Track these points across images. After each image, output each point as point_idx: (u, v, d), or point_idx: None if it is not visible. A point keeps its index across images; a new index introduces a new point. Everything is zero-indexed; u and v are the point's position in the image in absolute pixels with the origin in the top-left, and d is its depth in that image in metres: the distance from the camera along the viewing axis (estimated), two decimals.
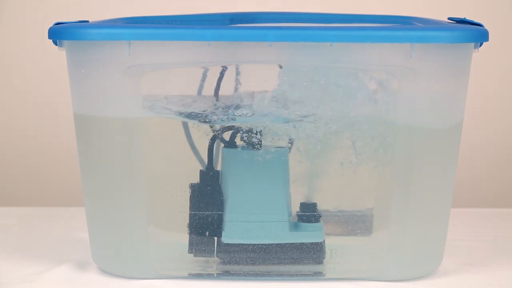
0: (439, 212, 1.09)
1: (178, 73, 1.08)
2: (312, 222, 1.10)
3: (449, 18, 1.15)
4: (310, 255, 1.09)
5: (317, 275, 1.10)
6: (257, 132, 1.08)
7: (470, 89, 1.11)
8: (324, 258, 1.10)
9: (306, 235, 1.09)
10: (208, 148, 1.09)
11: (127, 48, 1.03)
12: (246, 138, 1.08)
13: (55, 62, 1.63)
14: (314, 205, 1.10)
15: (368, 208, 1.11)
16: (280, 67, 1.07)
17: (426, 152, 1.06)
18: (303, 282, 1.09)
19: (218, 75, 1.08)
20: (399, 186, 1.07)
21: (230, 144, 1.09)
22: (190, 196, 1.09)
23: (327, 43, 1.02)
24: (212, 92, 1.09)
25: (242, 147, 1.09)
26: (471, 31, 1.03)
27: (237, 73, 1.09)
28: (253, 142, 1.08)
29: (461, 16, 1.22)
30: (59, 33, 1.05)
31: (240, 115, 1.07)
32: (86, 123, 1.07)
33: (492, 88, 1.70)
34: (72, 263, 1.15)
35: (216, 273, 1.10)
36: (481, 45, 1.06)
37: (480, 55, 1.15)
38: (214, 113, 1.08)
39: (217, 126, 1.08)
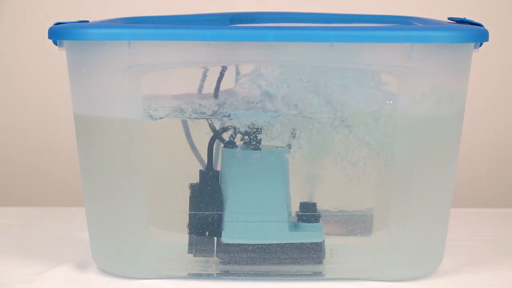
0: (439, 212, 1.09)
1: (178, 73, 1.08)
2: (312, 222, 1.10)
3: (449, 18, 1.15)
4: (310, 255, 1.09)
5: (317, 275, 1.10)
6: (256, 131, 1.08)
7: (470, 89, 1.11)
8: (324, 258, 1.10)
9: (306, 235, 1.09)
10: (208, 148, 1.09)
11: (127, 48, 1.03)
12: (245, 138, 1.08)
13: (55, 62, 1.63)
14: (314, 205, 1.10)
15: (368, 208, 1.11)
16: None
17: (426, 152, 1.06)
18: (303, 282, 1.09)
19: (218, 75, 1.08)
20: (399, 186, 1.07)
21: (230, 144, 1.09)
22: (190, 196, 1.09)
23: (327, 43, 1.02)
24: (212, 92, 1.09)
25: (242, 147, 1.09)
26: (471, 31, 1.03)
27: (237, 73, 1.09)
28: (253, 142, 1.08)
29: (461, 16, 1.22)
30: (59, 33, 1.05)
31: (239, 112, 1.07)
32: (86, 123, 1.07)
33: (492, 88, 1.70)
34: (72, 263, 1.15)
35: (216, 273, 1.10)
36: (481, 45, 1.06)
37: (480, 55, 1.15)
38: (215, 111, 1.08)
39: (217, 126, 1.08)
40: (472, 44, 1.05)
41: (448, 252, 1.16)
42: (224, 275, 1.10)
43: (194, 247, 1.09)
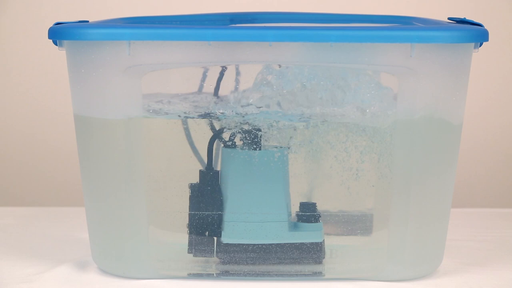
0: (439, 212, 1.09)
1: (178, 73, 1.08)
2: (312, 222, 1.10)
3: (449, 18, 1.15)
4: (309, 255, 1.09)
5: (317, 275, 1.10)
6: (256, 131, 1.08)
7: (470, 89, 1.11)
8: (323, 258, 1.10)
9: (306, 235, 1.09)
10: (208, 148, 1.09)
11: (127, 48, 1.03)
12: (245, 138, 1.08)
13: (55, 62, 1.63)
14: (313, 205, 1.10)
15: (368, 208, 1.11)
16: (279, 67, 1.07)
17: (426, 152, 1.06)
18: (302, 282, 1.09)
19: (218, 75, 1.08)
20: (399, 186, 1.07)
21: (230, 144, 1.09)
22: (190, 196, 1.09)
23: (327, 43, 1.02)
24: (212, 92, 1.09)
25: (242, 147, 1.09)
26: (471, 31, 1.03)
27: (237, 73, 1.09)
28: (253, 142, 1.08)
29: (461, 16, 1.22)
30: (59, 33, 1.05)
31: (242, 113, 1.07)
32: (86, 123, 1.07)
33: (492, 88, 1.70)
34: (72, 263, 1.15)
35: (216, 273, 1.10)
36: (481, 45, 1.06)
37: (480, 55, 1.16)
38: (215, 111, 1.08)
39: (217, 126, 1.08)
40: (472, 44, 1.05)
41: (448, 252, 1.16)
42: (224, 275, 1.10)
43: (194, 247, 1.09)
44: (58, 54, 1.16)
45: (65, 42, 1.06)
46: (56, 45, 1.07)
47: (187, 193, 1.09)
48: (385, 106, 1.07)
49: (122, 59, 1.03)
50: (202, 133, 1.09)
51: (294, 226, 1.10)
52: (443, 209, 1.09)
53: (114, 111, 1.05)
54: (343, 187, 1.10)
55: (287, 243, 1.09)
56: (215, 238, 1.09)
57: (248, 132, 1.08)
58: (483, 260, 1.19)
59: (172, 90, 1.09)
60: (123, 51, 1.03)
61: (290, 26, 1.05)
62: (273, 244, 1.09)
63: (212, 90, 1.09)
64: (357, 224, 1.11)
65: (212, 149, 1.09)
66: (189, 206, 1.09)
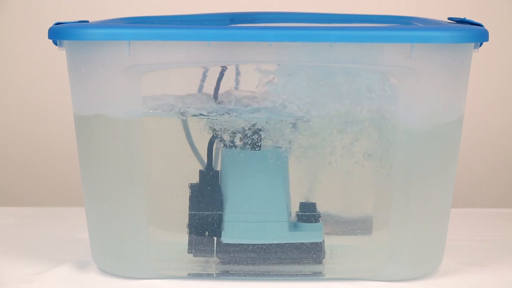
0: (439, 213, 1.09)
1: (178, 73, 1.08)
2: (312, 222, 1.10)
3: (449, 18, 1.15)
4: (309, 255, 1.09)
5: (317, 275, 1.10)
6: (256, 131, 1.08)
7: (470, 89, 1.11)
8: (323, 258, 1.10)
9: (306, 235, 1.09)
10: (208, 148, 1.09)
11: (127, 48, 1.03)
12: (245, 138, 1.08)
13: (55, 62, 1.63)
14: (313, 205, 1.10)
15: (368, 208, 1.11)
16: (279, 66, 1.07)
17: (426, 152, 1.06)
18: (302, 282, 1.09)
19: (218, 75, 1.08)
20: (399, 186, 1.07)
21: (230, 144, 1.09)
22: (190, 196, 1.09)
23: (327, 43, 1.02)
24: (211, 92, 1.09)
25: (242, 147, 1.09)
26: (471, 31, 1.03)
27: (237, 73, 1.09)
28: (253, 142, 1.08)
29: (461, 16, 1.22)
30: (59, 33, 1.05)
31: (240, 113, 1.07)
32: (86, 123, 1.07)
33: (492, 88, 1.70)
34: (72, 263, 1.15)
35: (216, 273, 1.10)
36: (481, 45, 1.06)
37: (480, 55, 1.15)
38: (216, 111, 1.08)
39: (217, 126, 1.08)
40: (472, 44, 1.05)
41: (448, 252, 1.16)
42: (224, 275, 1.10)
43: (194, 247, 1.09)
44: (58, 54, 1.16)
45: (65, 42, 1.06)
46: (56, 45, 1.07)
47: (187, 193, 1.09)
48: (385, 106, 1.07)
49: (122, 59, 1.03)
50: (202, 133, 1.09)
51: (294, 226, 1.10)
52: (443, 209, 1.09)
53: (114, 111, 1.05)
54: (343, 187, 1.10)
55: (287, 243, 1.09)
56: (215, 238, 1.09)
57: (248, 132, 1.08)
58: (483, 260, 1.19)
59: (172, 90, 1.09)
60: (123, 51, 1.03)
61: (290, 26, 1.05)
62: (273, 244, 1.09)
63: (212, 90, 1.09)
64: (357, 224, 1.11)
65: (212, 149, 1.09)
66: (189, 206, 1.09)
